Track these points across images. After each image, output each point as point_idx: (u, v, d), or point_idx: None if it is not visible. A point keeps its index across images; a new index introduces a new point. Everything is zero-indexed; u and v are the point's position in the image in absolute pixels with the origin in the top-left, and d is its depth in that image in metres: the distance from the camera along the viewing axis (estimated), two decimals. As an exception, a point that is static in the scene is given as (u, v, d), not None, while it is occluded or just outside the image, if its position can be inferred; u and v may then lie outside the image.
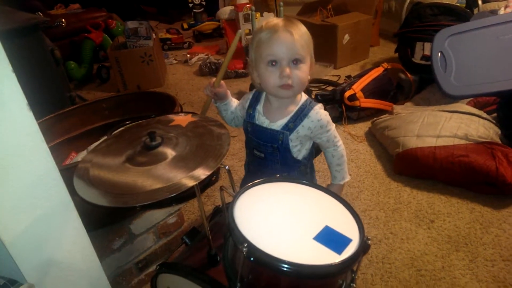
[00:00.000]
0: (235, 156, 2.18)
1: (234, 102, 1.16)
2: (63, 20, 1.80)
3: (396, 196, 1.75)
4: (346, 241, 0.70)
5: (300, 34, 0.93)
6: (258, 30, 0.97)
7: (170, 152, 0.72)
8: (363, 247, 0.69)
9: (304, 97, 1.03)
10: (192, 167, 0.68)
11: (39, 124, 0.73)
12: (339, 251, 0.68)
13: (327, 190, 0.84)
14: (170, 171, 0.67)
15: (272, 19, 0.98)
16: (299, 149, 1.05)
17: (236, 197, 0.78)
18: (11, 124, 0.68)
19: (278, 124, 1.01)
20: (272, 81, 0.94)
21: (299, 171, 1.10)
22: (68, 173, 0.82)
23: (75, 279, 0.89)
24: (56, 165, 0.78)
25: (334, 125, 1.05)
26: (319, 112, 1.01)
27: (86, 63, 3.38)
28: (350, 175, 1.90)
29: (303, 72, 0.94)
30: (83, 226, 0.88)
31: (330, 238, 0.71)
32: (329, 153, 1.09)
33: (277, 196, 0.82)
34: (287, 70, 0.92)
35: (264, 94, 1.06)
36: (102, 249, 1.23)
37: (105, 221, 1.27)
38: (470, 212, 1.62)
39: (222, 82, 1.09)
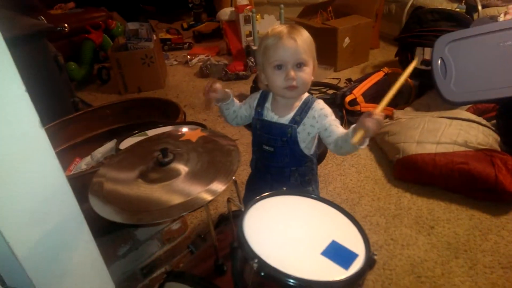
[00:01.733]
0: (237, 160, 2.19)
1: (236, 102, 1.20)
2: (66, 25, 1.80)
3: (397, 202, 1.77)
4: (352, 256, 0.72)
5: (303, 40, 1.01)
6: (264, 36, 1.05)
7: (182, 168, 0.73)
8: (369, 263, 0.71)
9: (306, 93, 1.11)
10: (204, 184, 0.69)
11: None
12: (346, 266, 0.70)
13: (333, 203, 0.86)
14: (183, 188, 0.69)
15: (277, 26, 1.05)
16: (306, 145, 1.10)
17: (244, 211, 0.79)
18: (24, 142, 0.70)
19: (285, 119, 1.08)
20: (278, 83, 1.03)
21: (306, 166, 1.14)
22: (76, 182, 0.84)
23: (84, 288, 0.90)
24: (66, 179, 0.79)
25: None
26: (321, 103, 1.09)
27: (86, 63, 3.38)
28: (350, 180, 1.95)
29: (307, 74, 1.03)
30: (92, 233, 0.90)
31: (337, 253, 0.72)
32: (332, 127, 1.04)
33: (285, 210, 0.83)
34: (292, 73, 1.00)
35: (271, 93, 1.13)
36: (108, 256, 1.24)
37: (112, 227, 1.29)
38: (469, 219, 1.64)
39: (219, 86, 1.10)
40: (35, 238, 0.77)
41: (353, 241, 0.76)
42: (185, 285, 0.96)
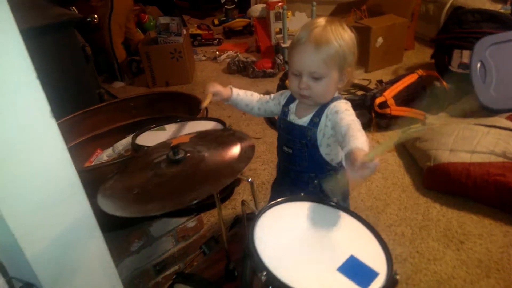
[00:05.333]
0: (259, 159, 2.15)
1: (245, 95, 1.15)
2: (96, 16, 1.81)
3: (425, 213, 1.67)
4: (372, 274, 0.66)
5: (328, 48, 0.91)
6: (298, 30, 0.98)
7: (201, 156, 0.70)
8: (391, 283, 0.65)
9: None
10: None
11: (67, 120, 0.73)
12: (364, 285, 0.64)
13: (355, 214, 0.80)
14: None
15: (314, 21, 0.96)
16: (328, 152, 1.03)
17: (256, 217, 0.74)
18: (33, 132, 0.68)
19: (304, 120, 1.03)
20: (293, 88, 1.00)
21: (329, 174, 1.06)
22: (90, 175, 0.82)
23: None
24: (76, 172, 0.77)
25: (354, 115, 0.94)
26: (341, 101, 0.99)
27: (117, 56, 3.42)
28: (376, 186, 1.86)
29: (323, 87, 0.95)
30: (105, 227, 0.88)
31: (355, 270, 0.66)
32: (342, 121, 0.91)
33: (300, 218, 0.78)
34: (304, 83, 0.95)
35: None
36: (121, 251, 1.23)
37: (126, 222, 1.27)
38: (503, 235, 1.52)
39: (216, 88, 1.09)
40: (42, 231, 0.75)
41: (374, 258, 0.69)
42: (194, 288, 0.93)
